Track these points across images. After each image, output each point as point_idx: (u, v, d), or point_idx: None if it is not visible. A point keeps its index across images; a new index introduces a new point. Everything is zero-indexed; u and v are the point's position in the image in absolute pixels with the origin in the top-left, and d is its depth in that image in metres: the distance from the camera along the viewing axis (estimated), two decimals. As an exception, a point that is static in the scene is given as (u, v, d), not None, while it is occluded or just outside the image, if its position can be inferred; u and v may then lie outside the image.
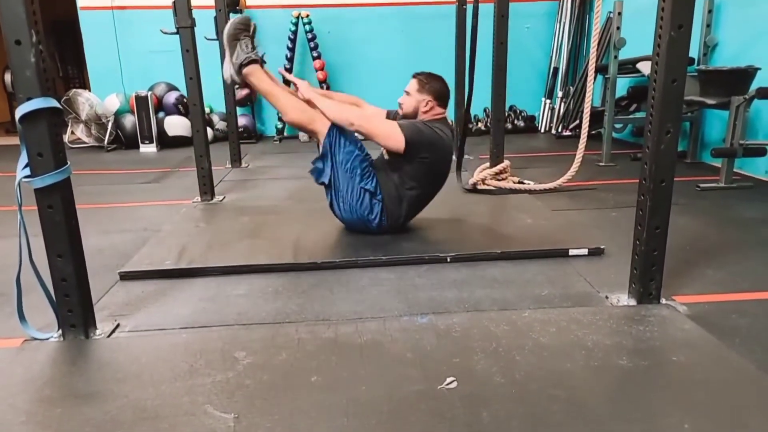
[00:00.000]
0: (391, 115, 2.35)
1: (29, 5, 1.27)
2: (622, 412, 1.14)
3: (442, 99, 2.24)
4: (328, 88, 5.46)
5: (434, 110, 2.22)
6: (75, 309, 1.47)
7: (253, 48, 2.13)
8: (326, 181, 2.18)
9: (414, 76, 2.26)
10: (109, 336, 1.53)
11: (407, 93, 2.24)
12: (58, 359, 1.41)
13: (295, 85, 2.24)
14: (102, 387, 1.26)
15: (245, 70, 2.10)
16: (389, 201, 2.17)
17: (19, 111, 1.31)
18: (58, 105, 1.35)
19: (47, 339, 1.48)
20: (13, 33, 1.27)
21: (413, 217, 2.27)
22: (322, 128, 2.13)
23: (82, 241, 1.48)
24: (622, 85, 4.40)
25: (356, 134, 2.21)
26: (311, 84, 2.29)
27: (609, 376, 1.27)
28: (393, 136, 2.08)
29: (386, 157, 2.23)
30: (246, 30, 2.11)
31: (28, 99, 1.30)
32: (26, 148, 1.34)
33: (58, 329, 1.49)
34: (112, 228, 2.58)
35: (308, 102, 2.17)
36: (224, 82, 3.92)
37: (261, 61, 2.14)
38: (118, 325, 1.59)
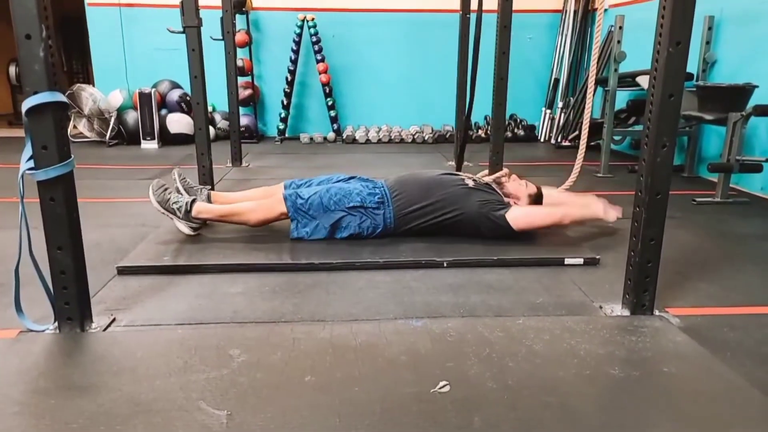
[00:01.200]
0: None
1: (40, 1, 1.29)
2: (612, 420, 1.16)
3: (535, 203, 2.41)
4: (331, 91, 5.49)
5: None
6: (72, 302, 1.47)
7: (186, 189, 2.28)
8: (322, 235, 2.22)
9: (537, 186, 2.43)
10: (105, 330, 1.53)
11: (517, 181, 2.41)
12: (54, 351, 1.41)
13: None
14: (96, 380, 1.27)
15: (192, 215, 2.18)
16: (408, 209, 2.20)
17: (26, 104, 1.32)
18: (64, 99, 1.37)
19: (43, 331, 1.49)
20: (24, 27, 1.29)
21: (418, 226, 2.25)
22: (281, 209, 2.19)
23: (82, 234, 1.49)
24: (622, 98, 4.43)
25: (300, 181, 2.38)
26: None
27: (600, 385, 1.28)
28: (531, 224, 2.23)
29: (470, 184, 2.27)
30: (165, 188, 2.20)
31: (35, 93, 1.32)
32: (31, 140, 1.35)
33: (55, 321, 1.50)
34: (111, 223, 2.58)
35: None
36: (229, 84, 3.94)
37: (196, 199, 2.24)
38: (114, 319, 1.60)
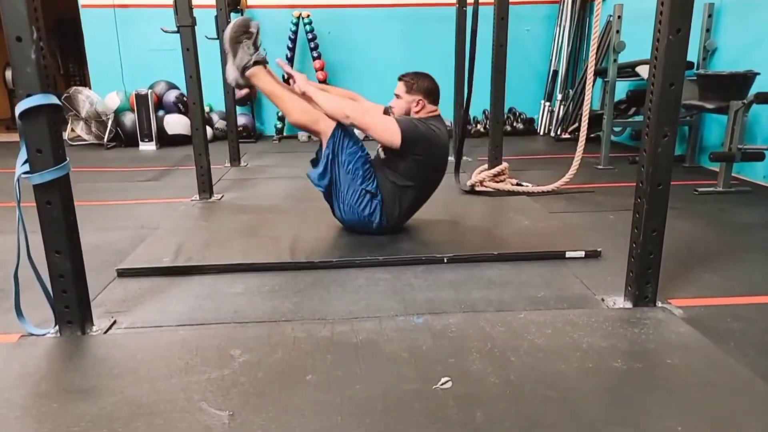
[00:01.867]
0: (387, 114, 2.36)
1: (30, 2, 1.28)
2: (615, 413, 1.15)
3: (432, 95, 2.24)
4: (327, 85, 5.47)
5: (426, 108, 2.23)
6: (72, 305, 1.47)
7: (256, 49, 2.11)
8: (324, 186, 2.18)
9: (400, 78, 2.26)
10: (105, 332, 1.53)
11: (397, 96, 2.25)
12: (55, 355, 1.41)
13: (291, 77, 2.22)
14: (98, 383, 1.27)
15: (248, 72, 2.10)
16: (387, 200, 2.18)
17: (19, 107, 1.31)
18: (58, 102, 1.36)
19: (44, 335, 1.49)
20: (15, 29, 1.28)
21: (411, 215, 2.28)
22: (326, 129, 2.13)
23: (80, 237, 1.48)
24: (621, 88, 4.40)
25: (357, 133, 2.23)
26: (308, 78, 2.27)
27: (603, 378, 1.27)
28: (389, 130, 2.09)
29: (382, 155, 2.24)
30: (247, 32, 2.09)
31: (28, 95, 1.31)
32: (26, 144, 1.35)
33: (55, 325, 1.50)
34: (111, 225, 2.58)
35: (308, 99, 2.17)
36: (225, 83, 3.93)
37: (264, 62, 2.14)
38: (114, 322, 1.59)
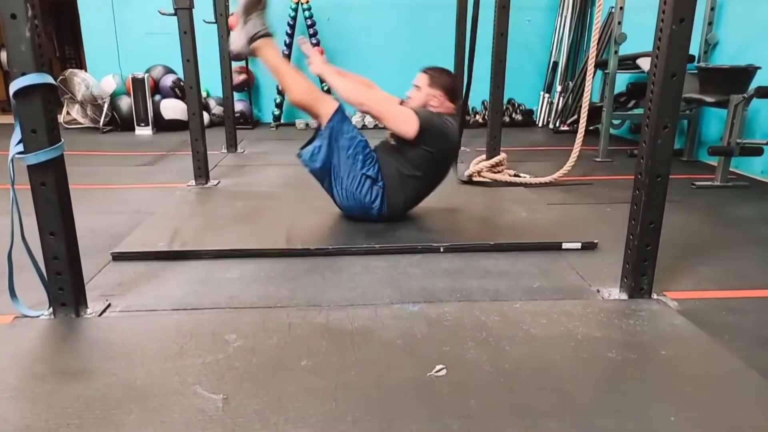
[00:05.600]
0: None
1: (25, -22, 1.26)
2: (609, 403, 1.15)
3: (453, 93, 2.25)
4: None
5: (444, 105, 2.24)
6: (66, 287, 1.46)
7: (264, 24, 2.10)
8: (318, 166, 2.15)
9: (424, 71, 2.25)
10: (99, 315, 1.52)
11: (417, 87, 2.24)
12: (49, 337, 1.41)
13: (309, 57, 2.21)
14: (91, 365, 1.26)
15: (256, 43, 2.07)
16: (390, 188, 2.17)
17: (14, 86, 1.29)
18: (52, 81, 1.34)
19: (38, 316, 1.48)
20: (9, 6, 1.26)
21: (414, 205, 2.27)
22: (326, 111, 2.11)
23: (74, 219, 1.47)
24: (622, 81, 4.39)
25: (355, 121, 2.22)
26: (327, 60, 2.26)
27: (598, 368, 1.28)
28: (406, 120, 2.09)
29: (392, 142, 2.23)
30: (260, 5, 2.07)
31: (23, 74, 1.29)
32: (20, 124, 1.33)
33: (49, 307, 1.49)
34: (106, 209, 2.56)
35: (319, 79, 2.12)
36: (223, 69, 3.89)
37: (272, 36, 2.12)
38: (109, 305, 1.59)
